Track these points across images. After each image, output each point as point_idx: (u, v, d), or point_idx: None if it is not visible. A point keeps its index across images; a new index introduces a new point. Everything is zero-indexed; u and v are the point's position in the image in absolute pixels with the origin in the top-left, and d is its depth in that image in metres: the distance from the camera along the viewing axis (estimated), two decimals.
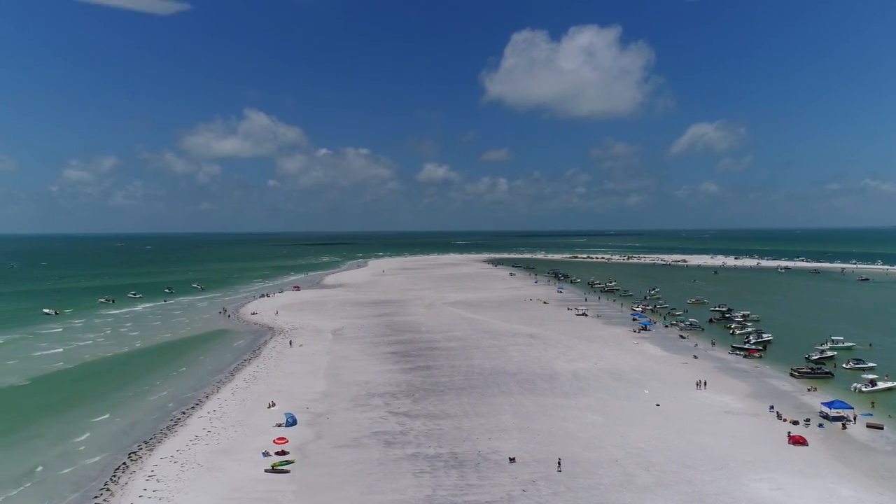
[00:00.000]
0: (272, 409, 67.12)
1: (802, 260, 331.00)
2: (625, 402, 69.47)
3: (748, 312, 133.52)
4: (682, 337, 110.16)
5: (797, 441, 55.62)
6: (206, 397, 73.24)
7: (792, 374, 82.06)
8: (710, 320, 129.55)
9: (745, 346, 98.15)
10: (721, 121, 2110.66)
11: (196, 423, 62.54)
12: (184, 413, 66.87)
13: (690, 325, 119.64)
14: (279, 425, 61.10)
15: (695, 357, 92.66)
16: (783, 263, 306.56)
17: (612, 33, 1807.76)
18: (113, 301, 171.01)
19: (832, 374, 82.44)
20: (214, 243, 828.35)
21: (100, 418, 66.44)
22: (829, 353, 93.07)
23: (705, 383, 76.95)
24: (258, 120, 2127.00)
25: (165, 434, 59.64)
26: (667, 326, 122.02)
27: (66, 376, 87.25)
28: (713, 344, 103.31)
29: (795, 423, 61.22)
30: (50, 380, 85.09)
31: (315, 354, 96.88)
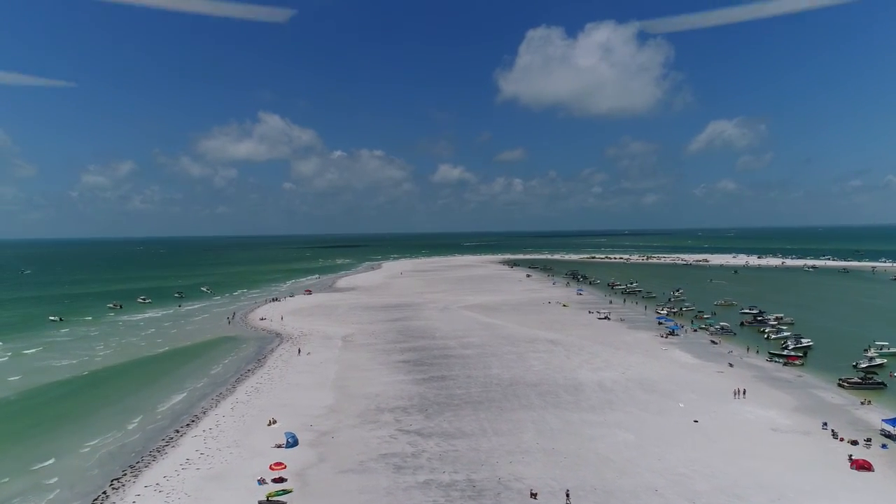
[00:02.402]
0: (273, 426, 61.79)
1: (828, 259, 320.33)
2: (658, 417, 63.17)
3: (781, 315, 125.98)
4: (713, 342, 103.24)
5: (861, 466, 49.01)
6: (204, 412, 68.08)
7: (840, 385, 75.10)
8: (742, 324, 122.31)
9: (784, 353, 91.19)
10: (741, 117, 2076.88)
11: (189, 444, 57.32)
12: (177, 431, 61.72)
13: (721, 329, 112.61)
14: (279, 446, 55.70)
15: (730, 365, 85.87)
16: (810, 262, 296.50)
17: (630, 29, 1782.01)
18: (121, 306, 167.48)
19: (885, 385, 75.39)
20: (230, 246, 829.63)
21: (89, 438, 61.40)
22: (878, 361, 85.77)
23: (744, 392, 70.73)
24: (272, 122, 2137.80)
25: (154, 457, 54.45)
26: (695, 331, 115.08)
27: (60, 389, 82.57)
28: (748, 350, 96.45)
29: (854, 443, 54.56)
30: (43, 394, 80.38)
31: (323, 363, 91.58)
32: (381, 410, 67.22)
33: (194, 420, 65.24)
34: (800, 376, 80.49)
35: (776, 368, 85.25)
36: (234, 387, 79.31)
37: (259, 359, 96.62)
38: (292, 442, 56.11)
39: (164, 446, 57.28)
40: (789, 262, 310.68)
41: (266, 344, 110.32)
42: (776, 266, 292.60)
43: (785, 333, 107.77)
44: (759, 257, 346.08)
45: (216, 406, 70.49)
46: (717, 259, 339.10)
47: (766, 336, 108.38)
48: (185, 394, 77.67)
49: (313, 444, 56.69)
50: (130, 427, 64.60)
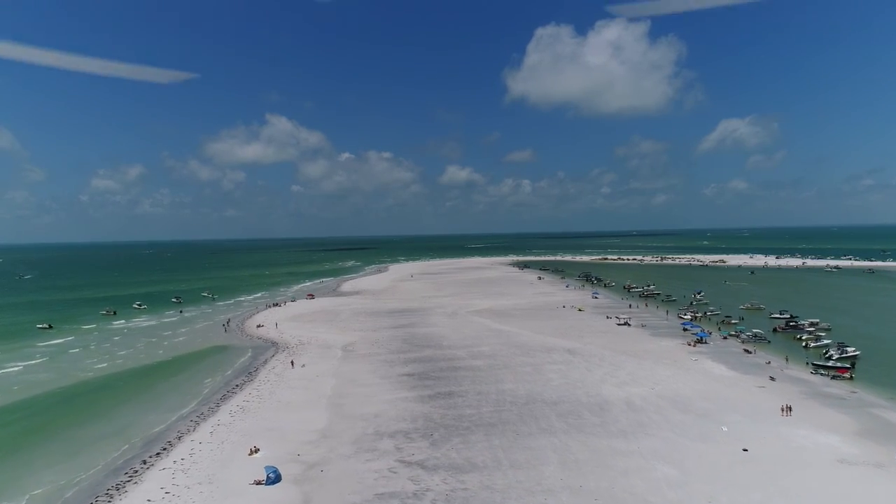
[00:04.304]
0: (254, 455, 53.60)
1: (851, 258, 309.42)
2: (700, 444, 54.43)
3: (816, 320, 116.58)
4: (747, 352, 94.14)
5: None
6: (179, 438, 59.98)
7: None
8: (774, 329, 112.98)
9: (831, 365, 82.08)
10: (753, 116, 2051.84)
11: (155, 480, 49.18)
12: (144, 463, 53.55)
13: (754, 336, 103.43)
14: (258, 483, 47.47)
15: (771, 378, 76.84)
16: (832, 262, 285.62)
17: (641, 27, 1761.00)
18: (115, 313, 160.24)
19: None
20: (237, 249, 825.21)
21: (42, 472, 53.56)
22: None
23: (790, 408, 62.35)
24: (280, 125, 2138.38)
25: (111, 498, 46.29)
26: (725, 338, 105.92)
27: (24, 408, 74.71)
28: (787, 361, 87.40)
29: None
30: (13, 417, 72.35)
31: (319, 377, 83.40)
32: (380, 435, 58.86)
33: (165, 448, 57.08)
34: (853, 392, 71.37)
35: (824, 383, 76.18)
36: (217, 405, 71.23)
37: (250, 372, 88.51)
38: (273, 478, 47.87)
39: (125, 482, 49.17)
40: (810, 262, 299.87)
41: (260, 354, 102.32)
42: (797, 266, 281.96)
43: (825, 341, 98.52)
44: (777, 257, 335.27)
45: (194, 429, 62.39)
46: (734, 259, 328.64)
47: (804, 344, 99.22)
48: (160, 415, 69.51)
49: (298, 479, 48.40)
50: (93, 456, 56.57)
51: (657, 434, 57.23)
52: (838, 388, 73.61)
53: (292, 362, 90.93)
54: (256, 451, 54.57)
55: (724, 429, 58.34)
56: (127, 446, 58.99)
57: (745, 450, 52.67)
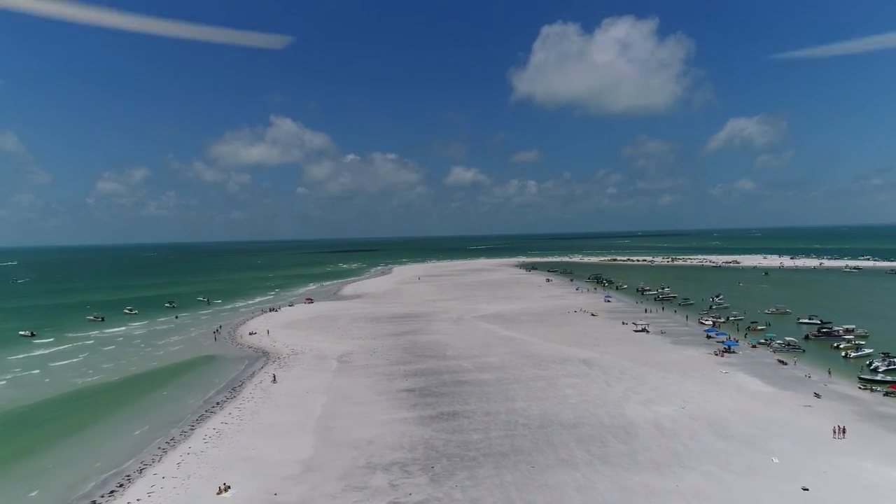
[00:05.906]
0: (223, 495, 45.52)
1: (869, 258, 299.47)
2: (749, 480, 45.96)
3: (852, 326, 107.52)
4: (781, 362, 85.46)
5: None
6: (141, 471, 51.87)
7: None
8: (807, 337, 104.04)
9: (881, 379, 73.37)
10: (761, 115, 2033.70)
11: None
12: None
13: (787, 344, 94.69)
14: None
15: (816, 395, 68.17)
16: (852, 263, 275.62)
17: (649, 25, 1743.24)
18: (103, 319, 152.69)
19: None
20: (242, 252, 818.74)
21: None
22: None
23: (843, 430, 54.36)
24: (284, 126, 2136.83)
25: None
26: (754, 346, 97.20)
27: None
28: (830, 374, 78.68)
29: None
30: None
31: (309, 393, 75.31)
32: (372, 468, 50.64)
33: (122, 484, 48.99)
34: None
35: (876, 400, 67.47)
36: (191, 428, 63.16)
37: (233, 388, 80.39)
38: None
39: None
40: (827, 262, 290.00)
41: (249, 366, 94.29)
42: (814, 267, 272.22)
43: (867, 350, 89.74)
44: (792, 258, 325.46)
45: (160, 459, 54.31)
46: (748, 260, 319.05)
47: (843, 354, 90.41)
48: (127, 440, 61.43)
49: None
50: (54, 496, 48.71)
51: (696, 467, 48.77)
52: (895, 406, 64.96)
53: (274, 376, 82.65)
54: (226, 489, 46.47)
55: (775, 460, 49.88)
56: (93, 484, 50.81)
57: (806, 489, 44.20)
